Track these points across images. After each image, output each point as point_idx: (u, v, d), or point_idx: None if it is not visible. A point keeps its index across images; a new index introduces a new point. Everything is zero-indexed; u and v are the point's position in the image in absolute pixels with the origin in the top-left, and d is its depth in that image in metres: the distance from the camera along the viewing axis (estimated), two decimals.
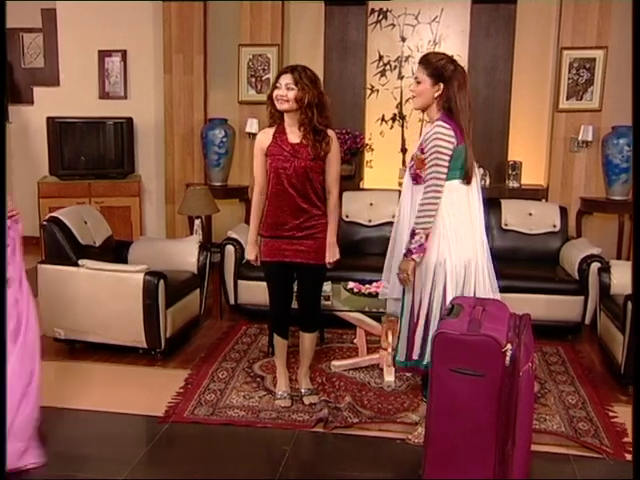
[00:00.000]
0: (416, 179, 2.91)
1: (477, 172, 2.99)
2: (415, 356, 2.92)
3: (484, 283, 2.95)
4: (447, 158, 2.81)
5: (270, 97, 3.24)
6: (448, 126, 2.82)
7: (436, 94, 2.87)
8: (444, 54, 3.01)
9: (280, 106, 3.18)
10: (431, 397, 2.46)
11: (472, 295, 2.88)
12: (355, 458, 2.99)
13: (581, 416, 3.37)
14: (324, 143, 3.21)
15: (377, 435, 3.16)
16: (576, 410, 3.43)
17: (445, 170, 2.82)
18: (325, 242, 3.29)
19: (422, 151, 2.87)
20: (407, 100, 6.04)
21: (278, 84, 3.19)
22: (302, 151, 3.21)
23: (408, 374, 3.57)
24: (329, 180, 3.28)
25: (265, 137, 3.29)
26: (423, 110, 3.00)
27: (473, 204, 2.94)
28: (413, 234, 2.83)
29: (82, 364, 3.98)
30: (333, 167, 3.28)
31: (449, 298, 2.83)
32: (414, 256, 2.83)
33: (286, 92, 3.15)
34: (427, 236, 2.82)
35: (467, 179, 2.90)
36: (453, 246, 2.85)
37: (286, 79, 3.16)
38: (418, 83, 2.91)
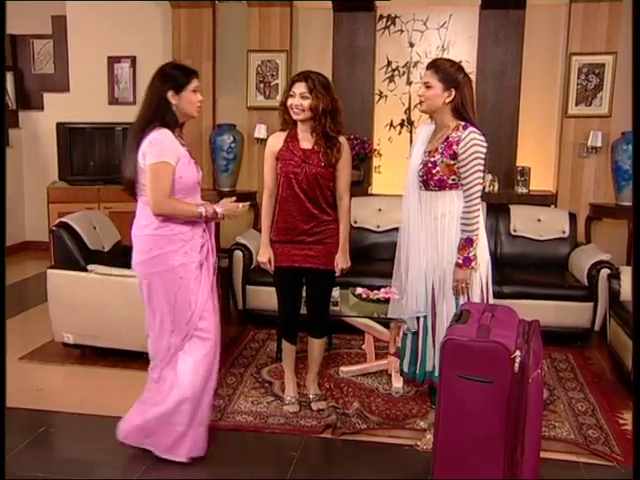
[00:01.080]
0: (440, 185, 2.86)
1: None
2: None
3: (491, 284, 3.00)
4: (484, 164, 2.84)
5: (284, 104, 3.22)
6: (480, 132, 2.84)
7: (447, 99, 2.86)
8: (453, 60, 3.01)
9: (296, 116, 3.18)
10: (440, 403, 2.46)
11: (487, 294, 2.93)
12: (363, 464, 2.99)
13: (591, 423, 3.35)
14: (335, 150, 3.21)
15: (385, 441, 3.15)
16: (586, 417, 3.42)
17: (483, 174, 2.85)
18: (335, 247, 3.29)
19: (452, 157, 2.83)
20: (416, 106, 6.03)
21: (292, 92, 3.17)
22: (313, 157, 3.21)
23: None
24: (340, 187, 3.27)
25: (277, 141, 3.29)
26: (428, 114, 3.00)
27: None
28: (471, 242, 2.82)
29: (91, 369, 4.00)
30: (344, 173, 3.27)
31: (486, 299, 2.90)
32: (473, 264, 2.84)
33: (301, 101, 3.14)
34: (472, 242, 2.85)
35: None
36: (480, 250, 2.88)
37: (300, 87, 3.15)
38: (428, 87, 2.88)
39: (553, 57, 5.84)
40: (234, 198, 2.97)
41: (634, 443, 2.42)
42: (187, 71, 2.84)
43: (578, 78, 5.65)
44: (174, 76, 2.78)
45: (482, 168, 2.82)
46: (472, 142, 2.81)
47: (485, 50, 5.81)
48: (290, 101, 3.17)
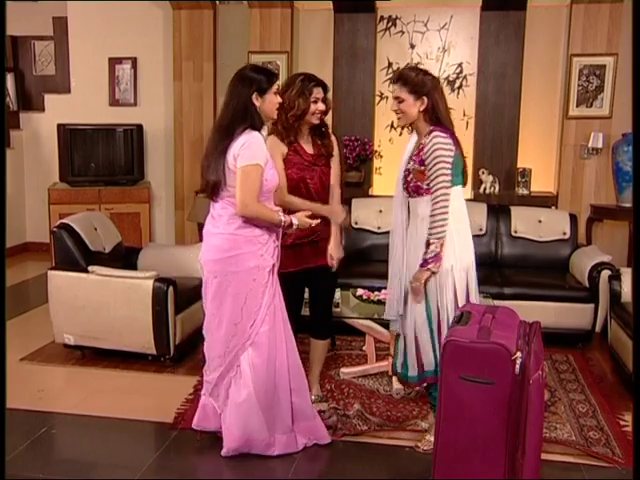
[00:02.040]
0: (417, 191, 2.90)
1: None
2: (426, 368, 2.93)
3: (476, 288, 2.99)
4: (450, 166, 2.83)
5: (302, 112, 3.12)
6: (445, 135, 2.84)
7: (421, 108, 2.87)
8: (417, 67, 3.05)
9: (317, 121, 3.17)
10: (440, 405, 2.46)
11: (469, 300, 2.91)
12: (364, 466, 2.99)
13: (592, 425, 3.35)
14: (330, 146, 3.27)
15: (386, 443, 3.15)
16: (587, 419, 3.42)
17: (450, 179, 2.83)
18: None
19: (421, 163, 2.87)
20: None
21: (314, 98, 3.13)
22: (320, 159, 3.24)
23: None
24: (334, 180, 3.31)
25: (282, 145, 3.20)
26: (409, 126, 3.01)
27: (465, 209, 2.99)
28: (428, 244, 2.83)
29: (91, 370, 4.00)
30: (336, 167, 3.32)
31: (460, 304, 2.86)
32: (430, 266, 2.83)
33: (323, 106, 3.14)
34: (442, 245, 2.83)
35: (464, 183, 2.97)
36: (458, 252, 2.88)
37: (320, 92, 3.13)
38: (400, 102, 2.90)
39: (554, 58, 5.84)
40: (309, 213, 2.97)
41: (634, 444, 2.42)
42: (269, 74, 2.88)
43: (579, 79, 5.65)
44: (258, 79, 2.82)
45: (447, 172, 2.81)
46: (435, 146, 2.82)
47: (486, 51, 5.81)
48: (314, 107, 3.14)
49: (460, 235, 2.90)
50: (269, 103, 2.85)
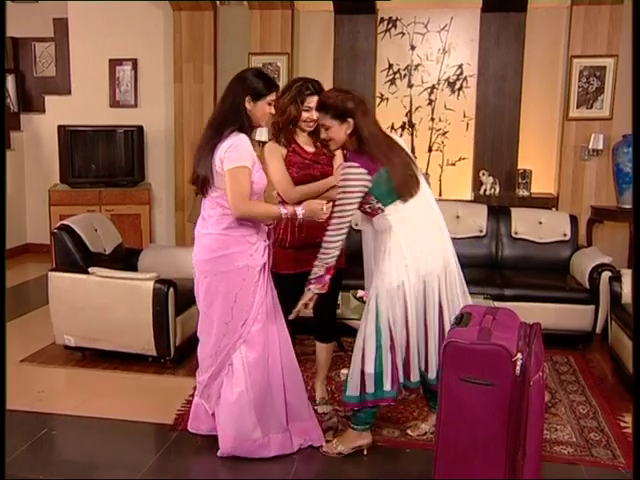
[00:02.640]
0: (367, 214, 2.90)
1: (422, 179, 2.93)
2: (369, 388, 2.87)
3: (452, 291, 2.92)
4: (356, 196, 2.76)
5: (294, 119, 3.16)
6: (356, 164, 2.77)
7: (348, 131, 2.83)
8: (336, 90, 2.99)
9: (308, 128, 3.19)
10: (440, 406, 2.46)
11: (438, 306, 2.87)
12: (364, 467, 2.99)
13: (592, 426, 3.35)
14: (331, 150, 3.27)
15: (386, 445, 3.15)
16: (587, 420, 3.42)
17: (350, 208, 2.78)
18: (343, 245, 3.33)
19: None
20: (417, 108, 6.07)
21: (307, 107, 3.15)
22: (321, 158, 3.26)
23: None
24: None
25: (282, 147, 3.24)
26: (342, 149, 2.99)
27: (429, 214, 2.92)
28: (317, 266, 2.83)
29: (92, 371, 4.01)
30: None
31: (411, 319, 2.82)
32: (312, 287, 2.84)
33: (316, 115, 3.09)
34: (328, 270, 2.83)
35: (404, 196, 2.83)
36: (410, 264, 2.81)
37: (315, 101, 3.10)
38: (327, 129, 2.86)
39: (554, 60, 5.85)
40: (319, 200, 2.93)
41: (634, 445, 2.42)
42: (269, 83, 2.87)
43: (579, 81, 5.65)
44: (255, 84, 2.82)
45: (346, 201, 2.76)
46: (341, 177, 2.80)
47: (486, 53, 5.82)
48: (305, 115, 3.16)
49: (412, 247, 2.82)
50: (260, 110, 2.84)
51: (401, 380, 2.91)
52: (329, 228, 2.84)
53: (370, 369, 2.84)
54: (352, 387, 2.90)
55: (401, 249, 2.81)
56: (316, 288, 2.84)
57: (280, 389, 2.97)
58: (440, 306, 2.89)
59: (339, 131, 2.84)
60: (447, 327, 2.85)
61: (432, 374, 2.91)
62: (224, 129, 2.79)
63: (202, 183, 2.85)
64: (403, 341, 2.86)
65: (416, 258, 2.82)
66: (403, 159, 2.88)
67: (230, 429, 2.93)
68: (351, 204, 2.79)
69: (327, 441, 3.10)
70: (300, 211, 2.85)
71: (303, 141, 3.26)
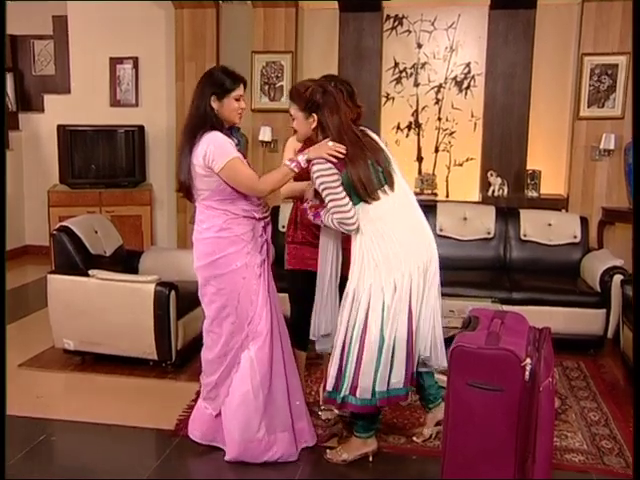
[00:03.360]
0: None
1: (397, 176, 2.91)
2: (346, 391, 2.86)
3: (430, 293, 2.90)
4: (339, 189, 2.76)
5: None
6: (322, 161, 2.77)
7: (312, 126, 2.86)
8: (312, 81, 2.97)
9: None
10: (447, 412, 2.46)
11: (417, 306, 2.85)
12: (369, 474, 2.99)
13: (604, 433, 3.34)
14: None
15: (392, 451, 3.15)
16: (599, 427, 3.41)
17: (342, 202, 2.77)
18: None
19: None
20: (423, 108, 6.08)
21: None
22: None
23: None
24: None
25: (296, 142, 3.23)
26: (306, 142, 2.99)
27: (404, 212, 2.89)
28: (317, 215, 2.88)
29: (92, 376, 4.01)
30: None
31: (374, 324, 2.80)
32: (293, 165, 2.81)
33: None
34: (317, 210, 2.89)
35: (369, 197, 2.81)
36: (382, 268, 2.79)
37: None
38: (294, 119, 2.91)
39: (564, 58, 5.84)
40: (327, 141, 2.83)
41: (634, 446, 2.41)
42: (233, 78, 2.89)
43: (590, 79, 5.64)
44: (219, 82, 2.85)
45: (336, 196, 2.77)
46: (314, 176, 2.80)
47: (494, 51, 5.82)
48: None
49: (382, 250, 2.80)
50: (227, 108, 2.87)
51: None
52: (338, 224, 2.81)
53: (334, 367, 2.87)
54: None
55: (370, 252, 2.80)
56: (294, 169, 2.82)
57: (284, 387, 3.01)
58: (410, 307, 2.84)
59: (304, 124, 2.88)
60: (414, 328, 2.85)
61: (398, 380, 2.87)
62: (196, 133, 2.83)
63: (185, 189, 2.91)
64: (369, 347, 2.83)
65: (388, 259, 2.80)
66: (371, 158, 2.84)
67: (236, 430, 2.96)
68: (341, 197, 2.77)
69: (330, 448, 3.10)
70: (303, 158, 2.80)
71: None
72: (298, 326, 3.32)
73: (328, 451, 3.08)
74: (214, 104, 2.83)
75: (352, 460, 3.02)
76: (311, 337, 3.17)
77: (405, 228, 2.87)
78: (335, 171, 2.77)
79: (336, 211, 2.79)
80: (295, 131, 2.99)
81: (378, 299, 2.80)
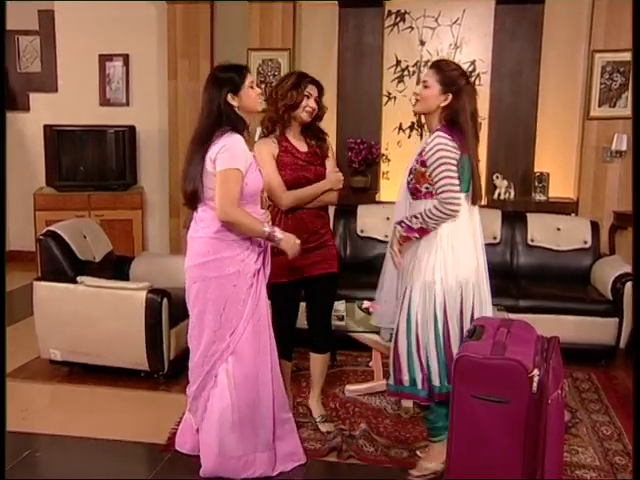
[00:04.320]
0: (415, 193, 2.94)
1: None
2: (405, 382, 2.92)
3: (484, 304, 2.96)
4: (455, 168, 2.82)
5: (293, 104, 3.22)
6: (450, 137, 2.83)
7: (443, 103, 2.89)
8: (459, 65, 3.03)
9: (307, 118, 3.26)
10: (452, 425, 2.47)
11: (470, 316, 2.89)
12: None
13: (617, 449, 3.34)
14: (325, 149, 3.38)
15: (394, 465, 3.15)
16: (612, 442, 3.41)
17: (457, 182, 2.82)
18: (334, 249, 3.44)
19: (422, 164, 2.88)
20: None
21: (308, 93, 3.24)
22: (315, 158, 3.33)
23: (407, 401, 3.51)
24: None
25: (272, 145, 3.30)
26: (421, 115, 3.06)
27: (474, 220, 2.97)
28: (416, 216, 2.87)
29: (79, 388, 4.01)
30: (331, 168, 3.42)
31: (440, 321, 2.85)
32: (400, 228, 2.91)
33: (315, 105, 3.26)
34: (420, 232, 2.87)
35: (474, 197, 2.91)
36: (450, 265, 2.85)
37: (315, 91, 3.26)
38: (426, 87, 2.93)
39: (574, 55, 5.85)
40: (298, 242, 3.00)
41: (634, 447, 2.41)
42: (238, 69, 2.93)
43: (601, 77, 5.66)
44: (229, 78, 2.87)
45: (452, 174, 2.81)
46: (437, 147, 2.82)
47: (501, 48, 5.83)
48: (306, 102, 3.24)
49: (455, 249, 2.86)
50: (247, 98, 2.90)
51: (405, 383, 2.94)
52: (444, 204, 2.81)
53: (402, 363, 2.93)
54: (391, 377, 2.98)
55: (443, 248, 2.85)
56: (402, 231, 2.91)
57: (269, 405, 2.98)
58: (462, 317, 2.90)
59: (434, 97, 2.90)
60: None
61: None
62: (212, 135, 2.83)
63: (191, 198, 2.90)
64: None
65: (456, 259, 2.86)
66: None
67: (213, 446, 2.93)
68: (456, 176, 2.81)
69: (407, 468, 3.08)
70: (279, 236, 2.88)
71: (294, 137, 3.32)
72: (282, 334, 3.31)
73: (411, 471, 3.05)
74: (233, 102, 2.85)
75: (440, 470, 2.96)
76: (379, 325, 3.25)
77: (471, 238, 2.94)
78: (457, 151, 2.82)
79: (447, 189, 2.81)
80: (416, 98, 3.00)
81: (454, 297, 2.85)
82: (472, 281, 2.90)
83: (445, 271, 2.85)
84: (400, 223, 2.94)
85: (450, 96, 2.87)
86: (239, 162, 2.81)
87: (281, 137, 3.31)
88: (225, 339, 2.90)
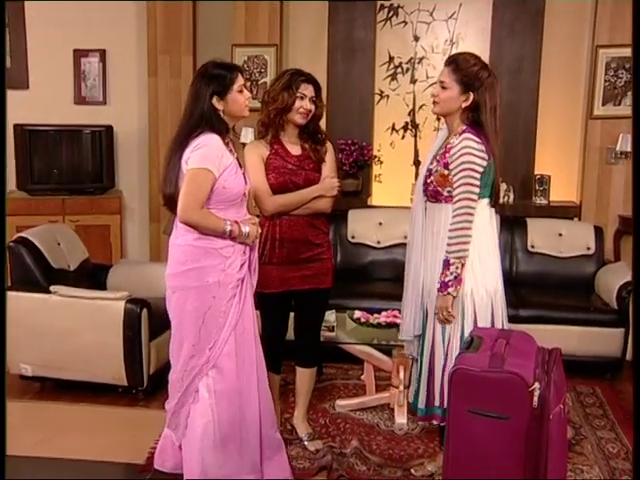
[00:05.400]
0: (435, 196, 2.90)
1: None
2: (436, 402, 2.93)
3: (504, 315, 2.97)
4: (479, 176, 2.80)
5: (286, 107, 3.21)
6: (479, 140, 2.80)
7: (464, 104, 2.85)
8: (477, 57, 2.93)
9: (302, 120, 3.25)
10: (448, 442, 2.47)
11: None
12: None
13: (624, 468, 3.34)
14: (322, 152, 3.35)
15: None
16: (618, 461, 3.42)
17: (477, 190, 2.81)
18: (330, 262, 3.40)
19: (446, 166, 2.85)
20: (421, 107, 6.10)
21: (302, 94, 3.22)
22: (307, 163, 3.31)
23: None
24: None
25: (262, 148, 3.31)
26: (441, 117, 3.04)
27: (494, 227, 2.98)
28: (448, 265, 2.80)
29: (52, 405, 4.00)
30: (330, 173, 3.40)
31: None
32: (450, 290, 2.81)
33: (310, 106, 3.22)
34: (463, 265, 2.81)
35: (495, 200, 2.92)
36: (479, 274, 2.86)
37: (311, 91, 3.23)
38: (443, 88, 2.87)
39: (577, 51, 5.88)
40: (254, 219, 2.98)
41: (634, 448, 2.43)
42: (229, 69, 2.90)
43: (606, 74, 5.68)
44: (217, 78, 2.84)
45: (475, 181, 2.79)
46: (464, 150, 2.79)
47: (499, 44, 5.86)
48: (299, 103, 3.22)
49: (482, 258, 2.87)
50: (234, 103, 2.88)
51: (436, 403, 2.94)
52: (458, 215, 2.80)
53: (438, 380, 2.94)
54: (421, 400, 2.99)
55: (471, 253, 2.83)
56: (455, 291, 2.81)
57: (256, 423, 2.96)
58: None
59: (453, 99, 2.85)
60: None
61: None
62: (189, 136, 2.82)
63: (170, 201, 2.89)
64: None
65: (485, 268, 2.86)
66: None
67: (195, 465, 2.91)
68: (477, 185, 2.80)
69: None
70: (246, 230, 2.86)
71: (289, 141, 3.31)
72: (270, 345, 3.31)
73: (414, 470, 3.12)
74: (218, 105, 2.83)
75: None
76: (405, 337, 3.14)
77: (491, 246, 2.93)
78: (485, 157, 2.79)
79: (467, 197, 2.79)
80: (433, 99, 2.95)
81: (485, 306, 2.86)
82: (500, 291, 2.91)
83: (475, 281, 2.85)
84: (443, 289, 2.82)
85: (472, 95, 2.82)
86: (210, 162, 2.78)
87: (273, 140, 3.31)
88: (205, 353, 2.87)
